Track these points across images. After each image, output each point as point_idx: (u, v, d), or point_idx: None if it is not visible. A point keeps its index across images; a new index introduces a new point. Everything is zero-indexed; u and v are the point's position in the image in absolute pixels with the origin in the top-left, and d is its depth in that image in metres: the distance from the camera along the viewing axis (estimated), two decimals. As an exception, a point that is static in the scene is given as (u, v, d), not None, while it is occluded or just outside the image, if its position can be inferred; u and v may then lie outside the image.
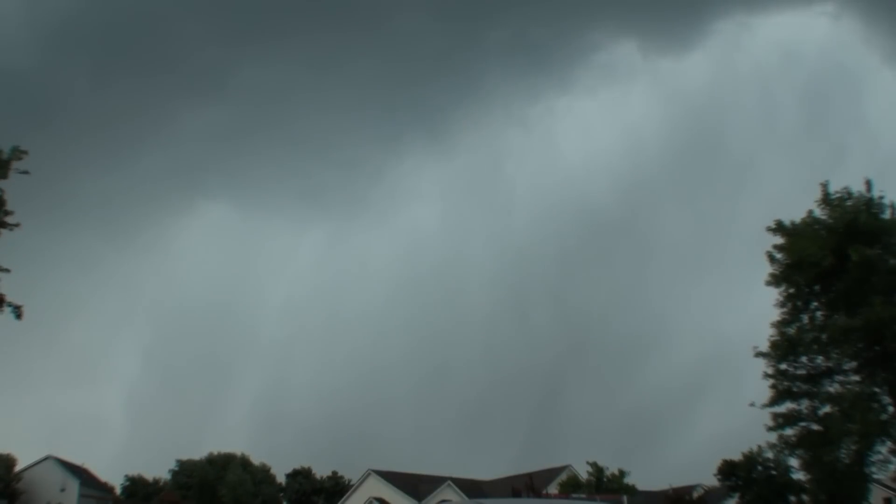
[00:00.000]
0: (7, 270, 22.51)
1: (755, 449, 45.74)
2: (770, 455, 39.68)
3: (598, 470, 58.95)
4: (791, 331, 29.94)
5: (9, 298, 22.41)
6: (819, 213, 29.70)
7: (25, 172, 22.74)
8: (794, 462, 30.97)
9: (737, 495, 47.93)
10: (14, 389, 77.85)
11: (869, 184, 29.23)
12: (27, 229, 23.27)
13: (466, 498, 51.72)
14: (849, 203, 29.14)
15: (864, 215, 28.53)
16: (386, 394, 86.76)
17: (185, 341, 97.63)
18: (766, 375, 30.06)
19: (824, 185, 29.78)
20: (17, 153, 22.66)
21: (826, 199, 29.62)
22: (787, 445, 29.99)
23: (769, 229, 30.43)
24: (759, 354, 30.24)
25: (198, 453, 78.79)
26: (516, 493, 44.18)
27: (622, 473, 58.73)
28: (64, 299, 79.63)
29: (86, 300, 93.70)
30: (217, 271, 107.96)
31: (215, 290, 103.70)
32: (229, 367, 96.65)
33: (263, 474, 78.16)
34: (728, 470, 47.71)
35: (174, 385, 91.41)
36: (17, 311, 22.36)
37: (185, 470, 77.37)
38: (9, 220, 22.74)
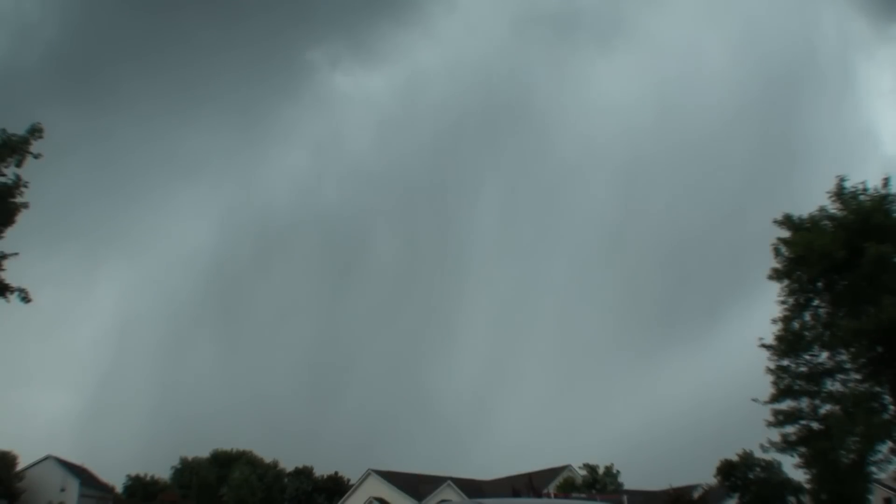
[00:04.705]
0: (16, 254, 21.42)
1: (749, 450, 46.22)
2: (764, 455, 39.77)
3: (591, 470, 59.65)
4: (795, 326, 29.93)
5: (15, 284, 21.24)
6: (830, 207, 29.59)
7: (38, 156, 21.30)
8: (793, 460, 30.91)
9: (736, 495, 48.31)
10: (14, 387, 77.91)
11: (886, 180, 29.10)
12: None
13: (466, 498, 51.74)
14: (863, 198, 29.03)
15: (878, 212, 28.39)
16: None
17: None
18: (768, 371, 30.23)
19: (840, 179, 29.63)
20: (36, 132, 21.01)
21: (840, 194, 29.52)
22: (788, 443, 30.14)
23: (776, 222, 30.45)
24: (764, 346, 30.34)
25: (204, 450, 79.56)
26: (517, 493, 44.31)
27: (609, 471, 59.56)
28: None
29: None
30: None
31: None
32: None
33: (273, 471, 78.33)
34: (727, 470, 48.06)
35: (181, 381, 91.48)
36: (25, 296, 21.18)
37: (188, 468, 77.52)
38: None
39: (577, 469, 60.57)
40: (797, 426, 29.79)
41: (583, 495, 52.06)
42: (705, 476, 50.72)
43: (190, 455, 79.06)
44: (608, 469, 59.66)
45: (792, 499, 45.17)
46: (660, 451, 61.79)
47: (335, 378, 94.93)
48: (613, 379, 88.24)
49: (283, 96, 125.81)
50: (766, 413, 29.94)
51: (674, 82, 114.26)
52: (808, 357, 29.96)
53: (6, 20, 79.37)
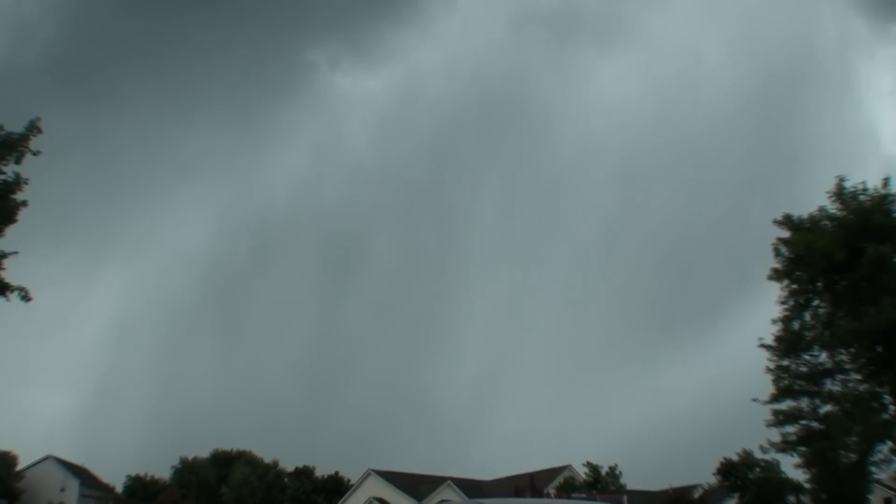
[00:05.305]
0: (15, 253, 21.12)
1: (749, 449, 46.21)
2: (763, 456, 39.78)
3: (594, 469, 59.69)
4: (795, 327, 30.01)
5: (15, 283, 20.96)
6: (830, 207, 29.61)
7: (37, 153, 21.05)
8: (793, 460, 31.00)
9: (736, 495, 48.29)
10: (14, 387, 77.95)
11: (886, 180, 29.11)
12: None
13: (466, 498, 51.80)
14: (863, 198, 29.05)
15: (878, 212, 28.42)
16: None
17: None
18: (768, 371, 30.29)
19: (840, 179, 29.62)
20: (34, 128, 20.82)
21: (840, 194, 29.53)
22: (788, 443, 30.17)
23: (776, 222, 30.50)
24: (764, 346, 30.42)
25: (204, 450, 79.68)
26: (518, 493, 44.35)
27: (612, 471, 59.63)
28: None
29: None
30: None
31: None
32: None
33: (273, 471, 78.45)
34: (727, 470, 48.02)
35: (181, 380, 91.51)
36: (25, 295, 20.90)
37: (188, 468, 77.63)
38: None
39: (580, 468, 60.64)
40: (797, 426, 29.85)
41: (583, 495, 52.06)
42: (705, 476, 50.76)
43: (190, 455, 79.16)
44: (611, 469, 59.70)
45: (792, 498, 45.15)
46: (660, 451, 61.82)
47: (335, 378, 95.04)
48: (613, 378, 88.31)
49: (283, 97, 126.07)
50: (766, 413, 30.08)
51: (673, 81, 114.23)
52: (808, 357, 30.03)
53: (5, 19, 79.42)
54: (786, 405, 29.99)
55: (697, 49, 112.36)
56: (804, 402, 29.93)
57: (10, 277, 21.26)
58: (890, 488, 42.83)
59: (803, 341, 29.93)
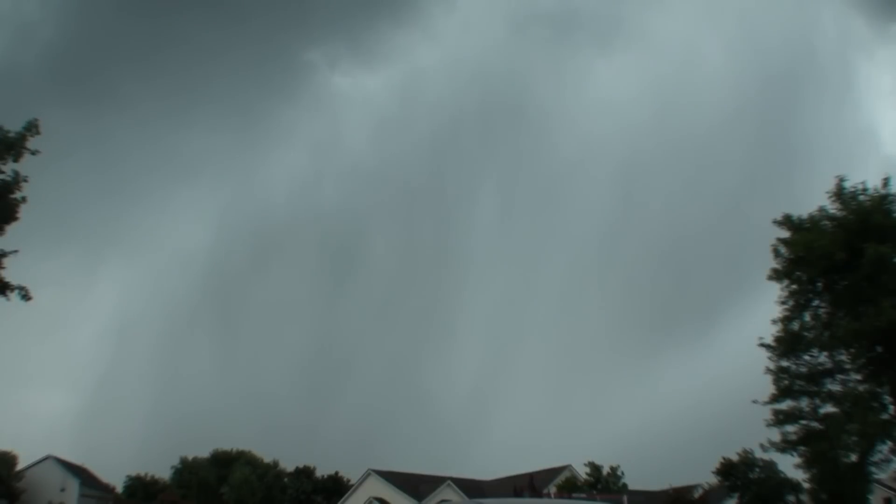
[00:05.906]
0: (16, 251, 21.33)
1: (749, 449, 46.26)
2: (763, 455, 39.81)
3: (595, 469, 59.76)
4: (795, 327, 29.99)
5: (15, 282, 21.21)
6: (830, 207, 29.57)
7: (36, 152, 21.17)
8: (793, 460, 30.99)
9: (736, 495, 48.31)
10: (14, 387, 77.99)
11: (886, 180, 29.06)
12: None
13: (466, 498, 51.87)
14: (862, 198, 29.01)
15: (878, 212, 28.38)
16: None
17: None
18: (768, 371, 30.28)
19: (839, 179, 29.60)
20: (33, 128, 20.97)
21: (839, 194, 29.50)
22: (788, 443, 30.18)
23: (776, 222, 30.47)
24: (763, 346, 30.41)
25: (204, 450, 79.82)
26: (518, 493, 44.41)
27: (613, 472, 59.73)
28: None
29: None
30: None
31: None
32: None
33: (273, 471, 78.48)
34: (727, 470, 48.05)
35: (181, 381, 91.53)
36: (25, 294, 21.12)
37: (188, 468, 77.67)
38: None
39: (581, 468, 60.74)
40: (797, 426, 29.86)
41: (583, 495, 52.13)
42: (705, 476, 50.81)
43: (190, 455, 79.39)
44: (613, 469, 59.80)
45: (792, 498, 45.17)
46: (660, 451, 61.87)
47: (334, 378, 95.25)
48: (613, 379, 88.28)
49: (282, 97, 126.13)
50: (766, 413, 30.08)
51: (672, 81, 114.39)
52: (807, 357, 30.02)
53: (5, 19, 79.65)
54: (786, 405, 29.98)
55: (697, 49, 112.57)
56: (804, 403, 29.92)
57: (10, 277, 21.35)
58: (890, 488, 42.85)
59: (803, 341, 29.90)
